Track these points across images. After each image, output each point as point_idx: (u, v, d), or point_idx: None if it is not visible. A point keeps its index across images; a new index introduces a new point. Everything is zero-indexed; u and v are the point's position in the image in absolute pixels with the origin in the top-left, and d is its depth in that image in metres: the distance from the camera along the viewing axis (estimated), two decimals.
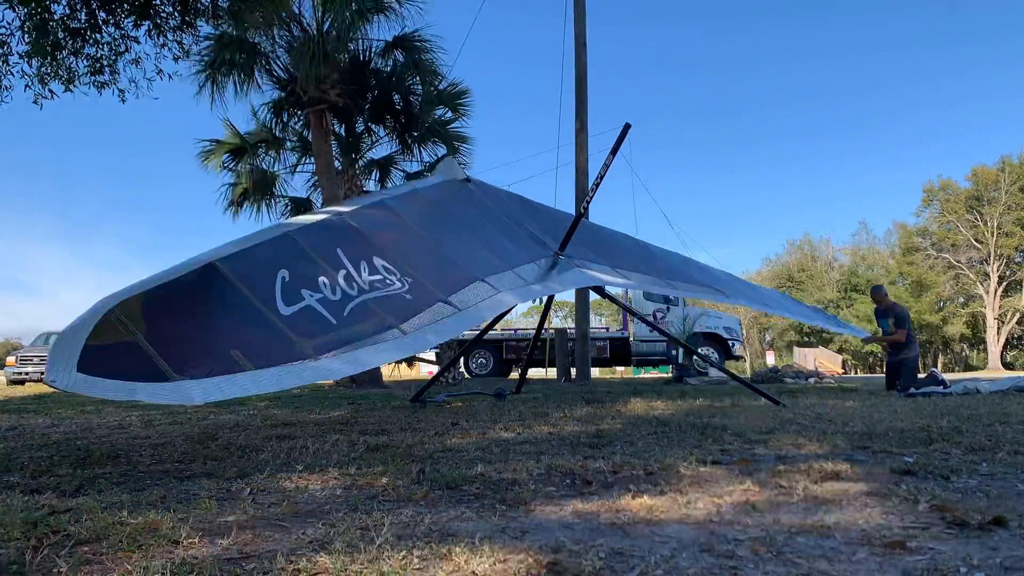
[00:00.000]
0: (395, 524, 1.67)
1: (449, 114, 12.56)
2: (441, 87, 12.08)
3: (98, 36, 6.78)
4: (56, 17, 6.44)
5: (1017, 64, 68.26)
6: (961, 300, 46.87)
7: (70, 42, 6.64)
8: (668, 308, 17.03)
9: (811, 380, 12.26)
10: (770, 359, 32.18)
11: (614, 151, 5.96)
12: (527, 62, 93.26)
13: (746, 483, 2.14)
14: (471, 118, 12.78)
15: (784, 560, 1.39)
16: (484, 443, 3.29)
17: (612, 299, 6.66)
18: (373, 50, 11.74)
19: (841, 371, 29.22)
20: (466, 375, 15.32)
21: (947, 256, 45.66)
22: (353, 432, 3.88)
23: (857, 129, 79.29)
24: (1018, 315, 43.63)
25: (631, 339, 18.21)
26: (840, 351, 41.64)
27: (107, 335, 2.92)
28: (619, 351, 18.43)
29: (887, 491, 1.97)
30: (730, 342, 17.23)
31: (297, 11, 10.76)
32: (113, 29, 6.84)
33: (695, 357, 13.35)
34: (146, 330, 3.05)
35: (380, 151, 13.09)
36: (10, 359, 17.86)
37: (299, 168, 13.15)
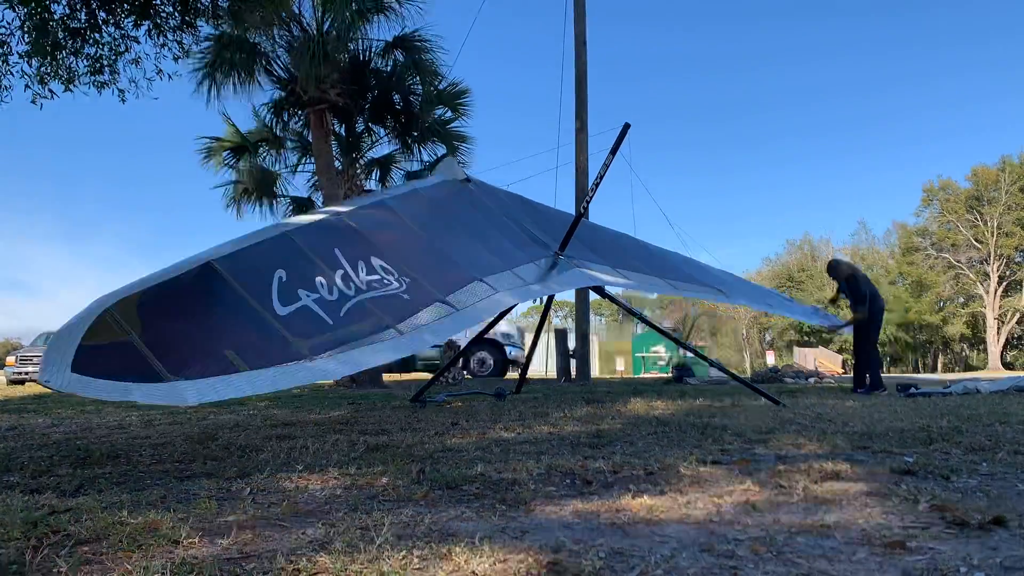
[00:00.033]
0: (395, 524, 1.67)
1: (449, 114, 12.56)
2: (441, 87, 12.08)
3: (98, 36, 6.77)
4: (56, 17, 6.44)
5: (1018, 64, 68.34)
6: (961, 300, 46.85)
7: (70, 42, 6.64)
8: None
9: (811, 380, 12.27)
10: (770, 359, 32.17)
11: (614, 151, 5.96)
12: (526, 63, 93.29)
13: (746, 483, 2.14)
14: (471, 118, 12.79)
15: (784, 560, 1.39)
16: (484, 443, 3.29)
17: (612, 299, 6.66)
18: (373, 50, 11.74)
19: (841, 371, 29.21)
20: (467, 375, 15.25)
21: (947, 256, 45.65)
22: (353, 432, 3.88)
23: (857, 130, 79.33)
24: (1018, 315, 43.62)
25: None
26: (840, 351, 41.66)
27: (102, 335, 2.92)
28: (407, 357, 16.75)
29: (887, 491, 1.97)
30: (507, 348, 16.00)
31: (297, 11, 10.76)
32: (113, 29, 6.84)
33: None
34: (142, 330, 3.05)
35: (380, 151, 13.10)
36: (10, 359, 17.86)
37: (299, 168, 13.16)
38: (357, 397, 7.65)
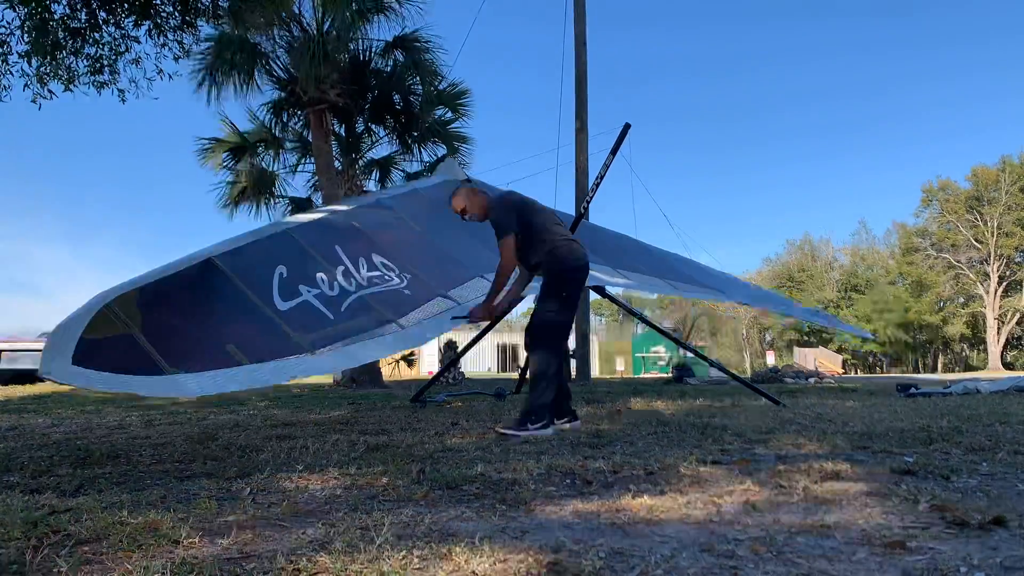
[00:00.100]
0: (395, 524, 1.67)
1: (449, 114, 12.57)
2: (441, 87, 12.09)
3: (98, 36, 6.77)
4: (56, 17, 6.44)
5: (1019, 64, 68.37)
6: (961, 300, 46.85)
7: (70, 42, 6.63)
8: None
9: (811, 380, 12.27)
10: (770, 359, 32.20)
11: (614, 151, 5.96)
12: (526, 64, 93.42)
13: (746, 483, 2.14)
14: (471, 118, 12.80)
15: (784, 560, 1.39)
16: (484, 443, 3.29)
17: (612, 299, 6.66)
18: (373, 50, 11.75)
19: (841, 371, 29.24)
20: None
21: (947, 256, 45.65)
22: (353, 432, 3.88)
23: (857, 130, 79.56)
24: (1018, 315, 43.62)
25: None
26: (840, 351, 41.68)
27: (103, 329, 2.92)
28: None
29: (887, 491, 1.97)
30: None
31: (297, 11, 10.77)
32: (113, 29, 6.84)
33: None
34: (143, 324, 3.06)
35: (380, 151, 13.12)
36: None
37: (299, 168, 13.17)
38: (357, 397, 7.65)
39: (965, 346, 50.81)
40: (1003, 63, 69.47)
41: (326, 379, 13.46)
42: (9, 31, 6.50)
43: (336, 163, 11.53)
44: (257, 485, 2.27)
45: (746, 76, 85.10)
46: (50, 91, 6.83)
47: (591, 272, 6.00)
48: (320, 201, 11.70)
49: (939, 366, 48.56)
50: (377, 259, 4.25)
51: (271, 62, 11.28)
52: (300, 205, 12.89)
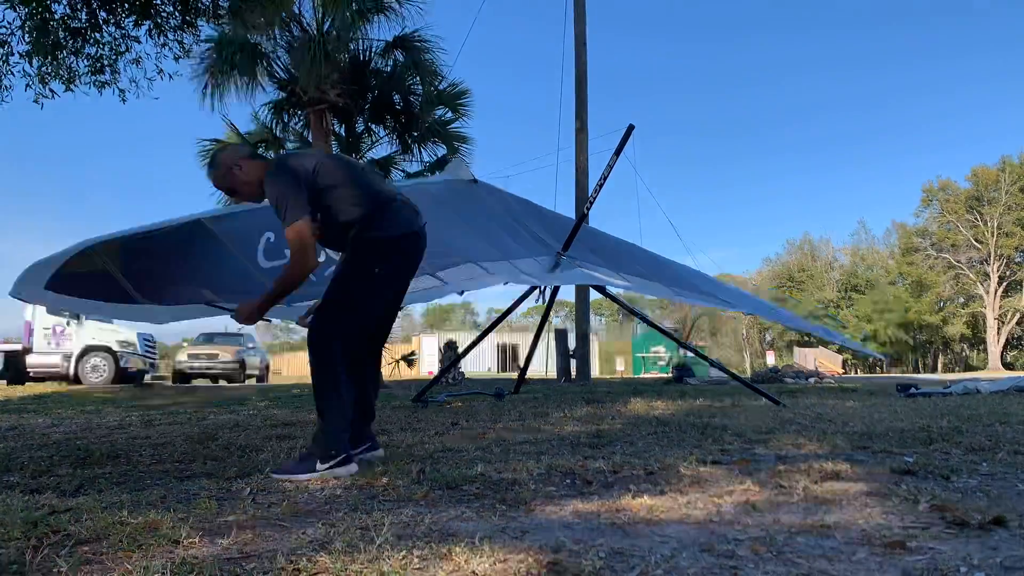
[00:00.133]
0: (395, 524, 1.67)
1: (449, 114, 12.56)
2: (441, 87, 12.09)
3: (98, 36, 6.78)
4: (57, 17, 6.44)
5: (1018, 75, 68.35)
6: (961, 300, 46.85)
7: (71, 42, 6.64)
8: (68, 323, 14.34)
9: (811, 380, 12.26)
10: (770, 359, 32.19)
11: (618, 151, 5.98)
12: (526, 64, 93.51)
13: (746, 483, 2.14)
14: (471, 118, 12.80)
15: (784, 560, 1.39)
16: (484, 443, 3.29)
17: (614, 299, 6.68)
18: (373, 50, 11.74)
19: (841, 371, 29.23)
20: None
21: (947, 256, 45.65)
22: None
23: (857, 143, 79.72)
24: (1018, 315, 43.61)
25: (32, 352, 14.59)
26: (840, 351, 41.66)
27: (82, 265, 3.02)
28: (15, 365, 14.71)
29: (887, 491, 1.97)
30: (121, 356, 14.55)
31: (297, 11, 10.77)
32: (114, 29, 6.84)
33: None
34: (123, 266, 3.16)
35: (380, 151, 13.11)
36: None
37: None
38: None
39: (965, 346, 50.80)
40: (1002, 73, 69.63)
41: None
42: (10, 31, 6.50)
43: None
44: (257, 485, 2.27)
45: (744, 89, 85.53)
46: (51, 91, 6.84)
47: (593, 272, 6.03)
48: None
49: (939, 366, 48.53)
50: None
51: (271, 62, 11.28)
52: None
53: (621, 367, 32.85)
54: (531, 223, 6.05)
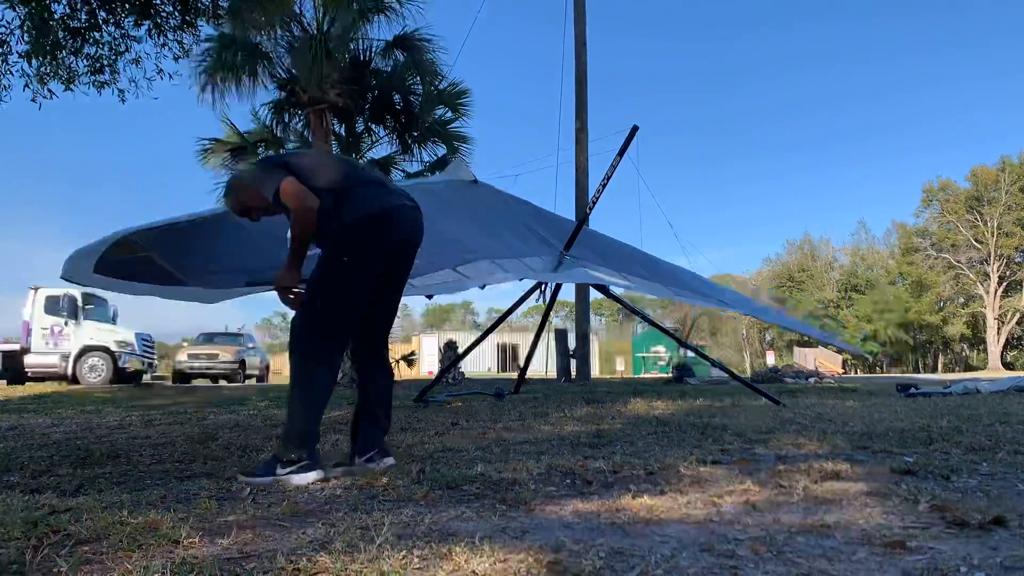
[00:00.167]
0: (395, 524, 1.67)
1: (449, 114, 12.56)
2: (441, 87, 12.09)
3: (98, 35, 6.78)
4: (56, 16, 6.44)
5: (1019, 70, 68.38)
6: (961, 300, 46.86)
7: (70, 42, 6.64)
8: (67, 323, 14.44)
9: (811, 380, 12.26)
10: (770, 359, 32.21)
11: (621, 152, 5.98)
12: (526, 64, 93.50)
13: (746, 483, 2.14)
14: (471, 118, 12.80)
15: (784, 560, 1.39)
16: (484, 443, 3.29)
17: (616, 298, 6.68)
18: (373, 50, 11.75)
19: (841, 371, 29.23)
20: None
21: (947, 256, 45.66)
22: None
23: (856, 140, 79.73)
24: (1018, 315, 43.62)
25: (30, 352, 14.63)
26: (840, 351, 41.64)
27: (125, 252, 3.23)
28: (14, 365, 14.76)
29: (887, 491, 1.97)
30: (119, 356, 14.59)
31: (298, 11, 10.77)
32: (113, 28, 6.85)
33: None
34: (162, 252, 3.29)
35: (380, 151, 13.12)
36: None
37: None
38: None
39: (965, 346, 50.81)
40: (1007, 68, 69.58)
41: None
42: (9, 31, 6.51)
43: None
44: (257, 485, 2.27)
45: (742, 87, 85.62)
46: (50, 91, 6.84)
47: (595, 272, 6.05)
48: None
49: (939, 366, 48.54)
50: None
51: (272, 62, 11.28)
52: None
53: (621, 367, 32.87)
54: (533, 223, 6.07)
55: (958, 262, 44.91)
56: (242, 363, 18.23)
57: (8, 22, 6.47)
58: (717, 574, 1.31)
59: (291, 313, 2.65)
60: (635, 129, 5.98)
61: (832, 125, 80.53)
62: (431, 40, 11.46)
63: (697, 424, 3.92)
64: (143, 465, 2.86)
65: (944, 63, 73.54)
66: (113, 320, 15.71)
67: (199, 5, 6.97)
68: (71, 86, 6.85)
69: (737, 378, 7.24)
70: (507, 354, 36.51)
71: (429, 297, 4.37)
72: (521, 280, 5.15)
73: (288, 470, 2.33)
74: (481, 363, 34.70)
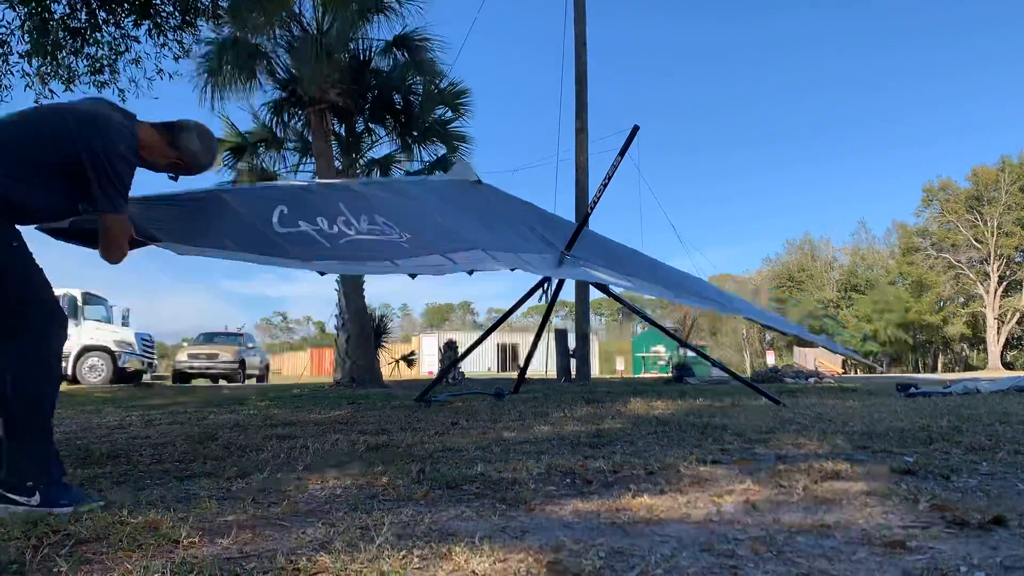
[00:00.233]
0: (395, 523, 1.67)
1: (449, 113, 12.55)
2: (441, 86, 12.08)
3: (98, 36, 6.79)
4: (56, 17, 6.45)
5: (1019, 61, 68.37)
6: (961, 300, 46.85)
7: (70, 42, 6.65)
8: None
9: (811, 380, 12.26)
10: (770, 359, 32.19)
11: (622, 152, 5.97)
12: (526, 64, 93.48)
13: (746, 483, 2.14)
14: (471, 117, 12.79)
15: (784, 559, 1.39)
16: (484, 443, 3.29)
17: (616, 298, 6.68)
18: (373, 50, 11.74)
19: (841, 371, 29.23)
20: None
21: (947, 256, 45.65)
22: (353, 432, 3.88)
23: (857, 129, 79.61)
24: (1018, 315, 43.61)
25: None
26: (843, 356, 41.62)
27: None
28: None
29: (887, 491, 1.97)
30: (119, 356, 14.60)
31: (298, 11, 10.76)
32: (113, 29, 6.86)
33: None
34: (144, 216, 3.20)
35: (380, 151, 13.10)
36: None
37: (300, 168, 13.15)
38: (357, 397, 7.65)
39: (965, 346, 50.79)
40: (1007, 59, 69.55)
41: (327, 379, 13.47)
42: (9, 31, 6.51)
43: (336, 163, 11.53)
44: (257, 485, 2.27)
45: (744, 70, 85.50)
46: (51, 91, 6.85)
47: (596, 272, 6.05)
48: None
49: (939, 366, 48.52)
50: (379, 219, 4.34)
51: (272, 62, 11.28)
52: None
53: (621, 367, 32.86)
54: (535, 224, 6.07)
55: (958, 262, 44.91)
56: (242, 363, 18.23)
57: (8, 22, 6.49)
58: (717, 574, 1.31)
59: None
60: (636, 129, 5.98)
61: (832, 111, 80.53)
62: (431, 39, 11.46)
63: (697, 424, 3.92)
64: (143, 465, 2.86)
65: (945, 55, 73.64)
66: (124, 322, 15.74)
67: (199, 5, 6.98)
68: (71, 86, 6.86)
69: (737, 378, 7.24)
70: (507, 354, 36.51)
71: (412, 276, 4.33)
72: (513, 270, 5.15)
73: (32, 499, 1.94)
74: (481, 363, 34.70)
